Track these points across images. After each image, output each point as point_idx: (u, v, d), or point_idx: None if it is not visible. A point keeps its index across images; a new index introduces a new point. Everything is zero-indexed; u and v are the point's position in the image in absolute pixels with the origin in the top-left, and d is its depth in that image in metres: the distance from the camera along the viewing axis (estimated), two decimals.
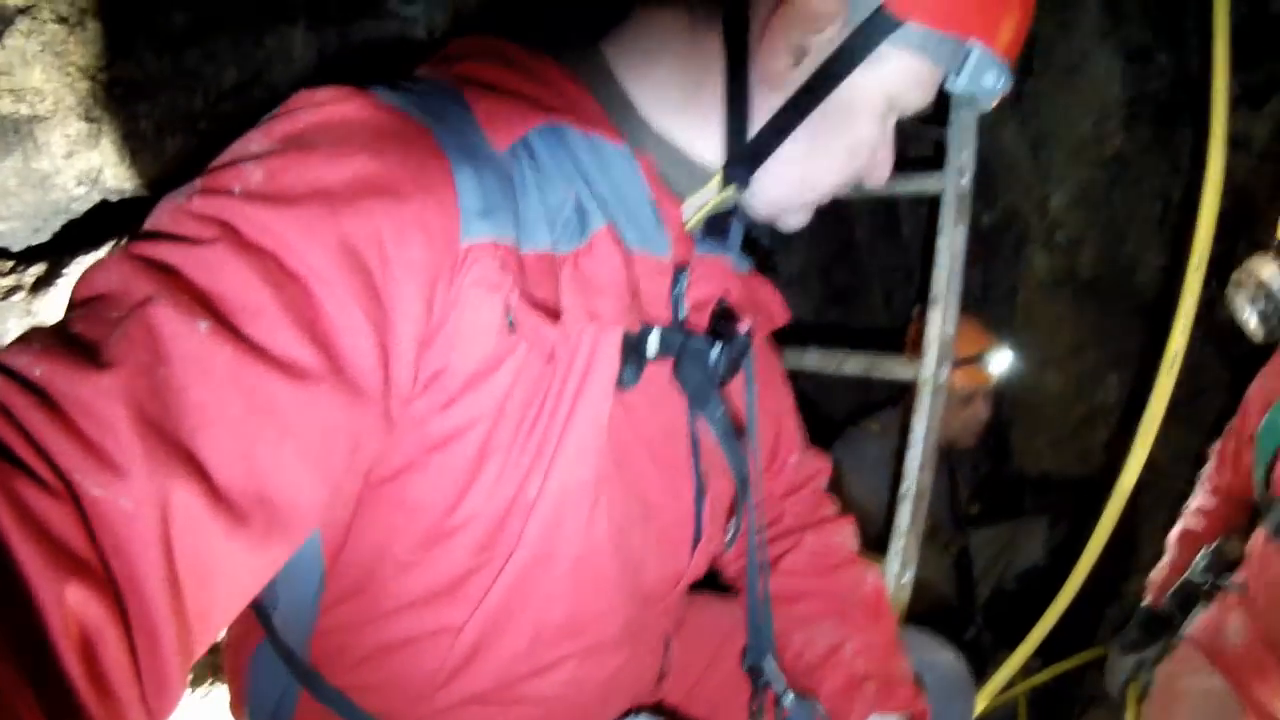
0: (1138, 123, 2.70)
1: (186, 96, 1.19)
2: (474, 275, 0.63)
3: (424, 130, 0.64)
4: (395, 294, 0.59)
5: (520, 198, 0.68)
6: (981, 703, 1.92)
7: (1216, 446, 1.90)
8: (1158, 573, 1.93)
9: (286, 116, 0.62)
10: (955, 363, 2.54)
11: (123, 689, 0.44)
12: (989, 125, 2.96)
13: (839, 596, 1.08)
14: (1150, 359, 1.74)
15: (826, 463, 1.24)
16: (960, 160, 1.69)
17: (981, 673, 2.09)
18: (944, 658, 1.16)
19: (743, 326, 0.89)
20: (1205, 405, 1.84)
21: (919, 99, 0.78)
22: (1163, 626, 1.84)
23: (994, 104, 0.80)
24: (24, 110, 0.99)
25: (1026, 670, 2.40)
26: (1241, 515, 1.86)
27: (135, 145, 1.16)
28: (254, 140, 0.61)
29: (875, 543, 1.76)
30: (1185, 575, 1.81)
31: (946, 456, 2.89)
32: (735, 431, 0.91)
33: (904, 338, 2.60)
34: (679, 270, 0.81)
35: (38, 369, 0.47)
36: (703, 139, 0.78)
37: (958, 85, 0.75)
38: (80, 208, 1.15)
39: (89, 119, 1.07)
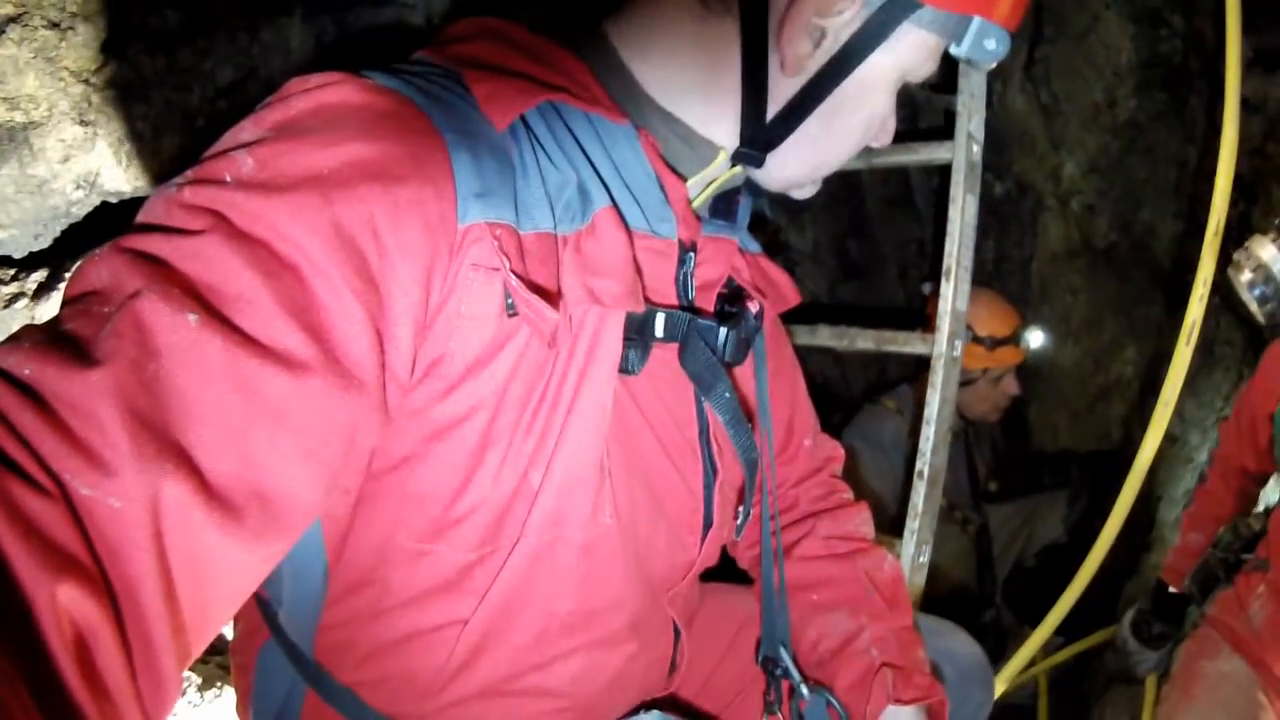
0: (1150, 87, 2.65)
1: (182, 95, 1.18)
2: (472, 257, 0.62)
3: (419, 112, 0.63)
4: (391, 279, 0.58)
5: (520, 178, 0.67)
6: (1003, 683, 1.90)
7: (1226, 422, 1.87)
8: (1174, 553, 1.91)
9: (279, 104, 0.61)
10: (991, 344, 2.55)
11: (118, 687, 0.44)
12: (1000, 93, 2.92)
13: (854, 584, 1.06)
14: (1168, 328, 1.72)
15: (840, 448, 1.22)
16: (970, 128, 1.66)
17: (1002, 652, 2.09)
18: (962, 646, 1.14)
19: (752, 306, 0.89)
20: (1223, 376, 1.80)
21: (928, 69, 0.78)
22: (1180, 609, 1.81)
23: (994, 65, 0.80)
24: (18, 117, 0.99)
25: (1047, 648, 2.39)
26: (1255, 489, 1.84)
27: (133, 146, 1.15)
28: (246, 129, 0.60)
29: (893, 524, 1.75)
30: (1205, 555, 1.79)
31: (965, 435, 2.88)
32: (745, 415, 0.90)
33: (924, 312, 2.59)
34: (685, 251, 0.80)
35: (27, 368, 0.47)
36: (715, 120, 0.77)
37: (960, 51, 0.75)
38: (80, 211, 1.15)
39: (84, 123, 1.07)
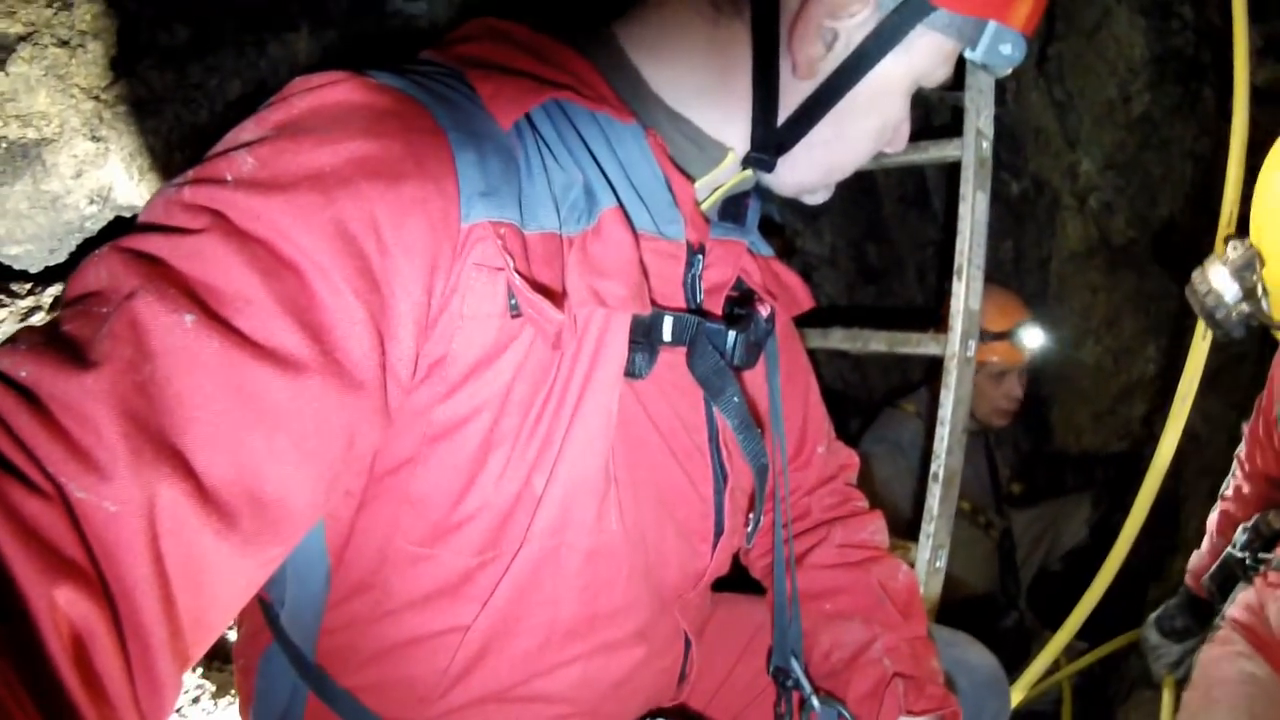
0: (1164, 81, 2.62)
1: (192, 110, 1.20)
2: (475, 256, 0.62)
3: (423, 110, 0.62)
4: (393, 279, 0.57)
5: (525, 177, 0.66)
6: (1022, 690, 1.87)
7: (1248, 424, 1.84)
8: (1197, 558, 1.86)
9: (281, 103, 0.60)
10: (985, 338, 2.50)
11: (115, 690, 0.44)
12: (1014, 92, 2.90)
13: (868, 593, 1.04)
14: (1188, 324, 1.69)
15: (854, 455, 1.20)
16: (978, 124, 1.64)
17: (1025, 657, 2.05)
18: (977, 656, 1.11)
19: (763, 310, 0.88)
20: (1244, 372, 1.77)
21: (943, 74, 0.77)
22: (1206, 611, 1.77)
23: (1010, 70, 0.79)
24: (30, 134, 1.01)
25: (1071, 653, 2.35)
26: (1277, 493, 1.80)
27: (145, 161, 1.17)
28: (248, 128, 0.59)
29: (912, 527, 1.73)
30: (1224, 554, 1.75)
31: (986, 437, 2.84)
32: (755, 420, 0.88)
33: (941, 315, 2.56)
34: (693, 253, 0.79)
35: (24, 370, 0.46)
36: (725, 122, 0.77)
37: (975, 55, 0.74)
38: (94, 226, 1.17)
39: (96, 138, 1.09)
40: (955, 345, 1.66)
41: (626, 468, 0.76)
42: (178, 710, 1.21)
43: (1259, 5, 1.61)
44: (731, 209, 0.89)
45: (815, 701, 0.96)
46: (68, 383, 0.46)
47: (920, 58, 0.74)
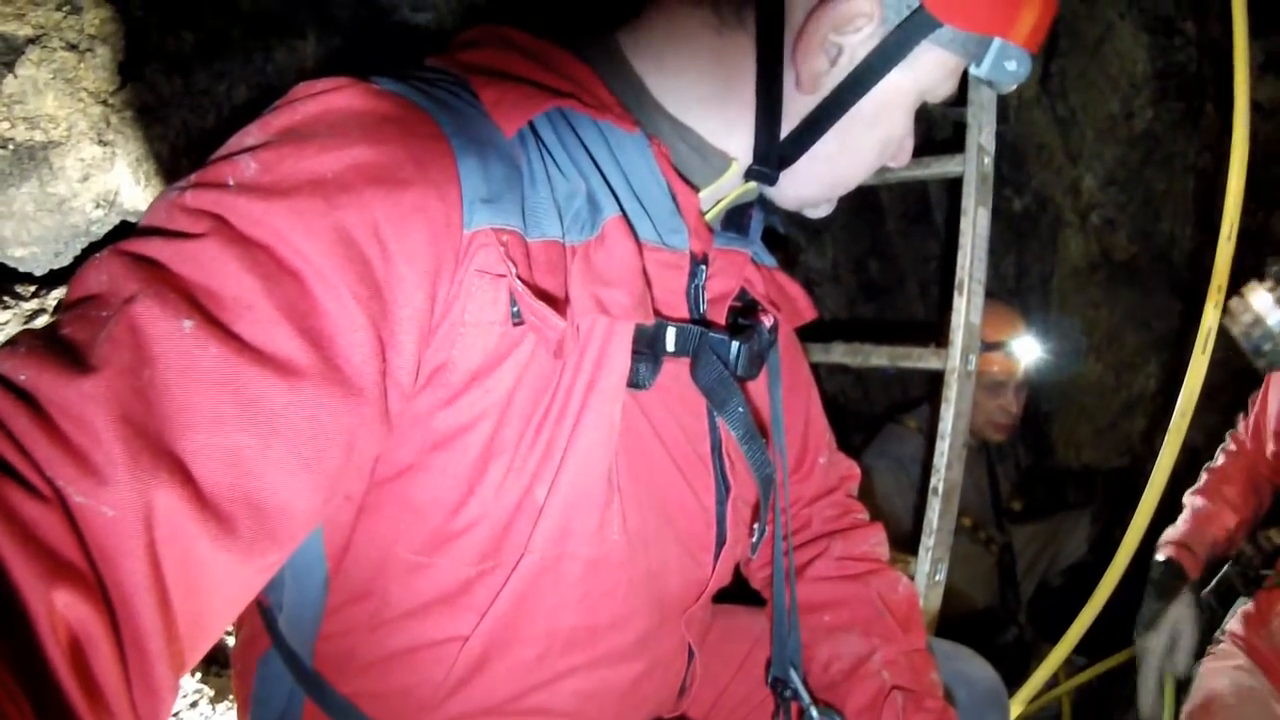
0: (1166, 97, 2.63)
1: (199, 116, 1.21)
2: (478, 263, 0.61)
3: (426, 116, 0.62)
4: (395, 285, 0.57)
5: (528, 185, 0.66)
6: (1020, 704, 1.86)
7: (1241, 425, 1.83)
8: (1172, 530, 1.81)
9: (284, 108, 0.60)
10: (979, 349, 2.50)
11: (112, 693, 0.43)
12: (1017, 108, 2.91)
13: (867, 605, 1.04)
14: (1190, 340, 1.68)
15: (855, 467, 1.20)
16: (980, 139, 1.65)
17: (1025, 672, 2.04)
18: (976, 669, 1.11)
19: (766, 320, 0.87)
20: (1243, 388, 1.76)
21: (947, 89, 0.77)
22: (1178, 578, 1.72)
23: (1014, 87, 0.79)
24: (38, 137, 1.01)
25: (1070, 668, 2.34)
26: (1269, 499, 1.79)
27: (151, 166, 1.18)
28: (251, 133, 0.59)
29: (912, 541, 1.73)
30: (1224, 569, 1.74)
31: (988, 453, 2.84)
32: (758, 431, 0.88)
33: (943, 330, 2.56)
34: (697, 263, 0.79)
35: (24, 373, 0.46)
36: (729, 133, 0.77)
37: (981, 72, 0.74)
38: (100, 230, 1.17)
39: (103, 142, 1.09)
40: (956, 359, 1.66)
41: (629, 478, 0.76)
42: (175, 714, 1.21)
43: (1260, 20, 1.62)
44: (735, 219, 0.89)
45: (814, 713, 0.96)
46: (66, 387, 0.46)
47: (925, 73, 0.74)
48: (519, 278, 0.63)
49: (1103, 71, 2.68)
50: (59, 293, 1.15)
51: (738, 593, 1.06)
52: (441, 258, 0.60)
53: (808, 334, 1.16)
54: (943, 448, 1.64)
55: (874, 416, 3.27)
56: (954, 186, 1.73)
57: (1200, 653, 1.69)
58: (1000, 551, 2.81)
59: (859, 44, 0.71)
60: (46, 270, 1.15)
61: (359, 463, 0.59)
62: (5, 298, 1.05)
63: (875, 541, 1.11)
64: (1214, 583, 1.75)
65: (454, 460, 0.66)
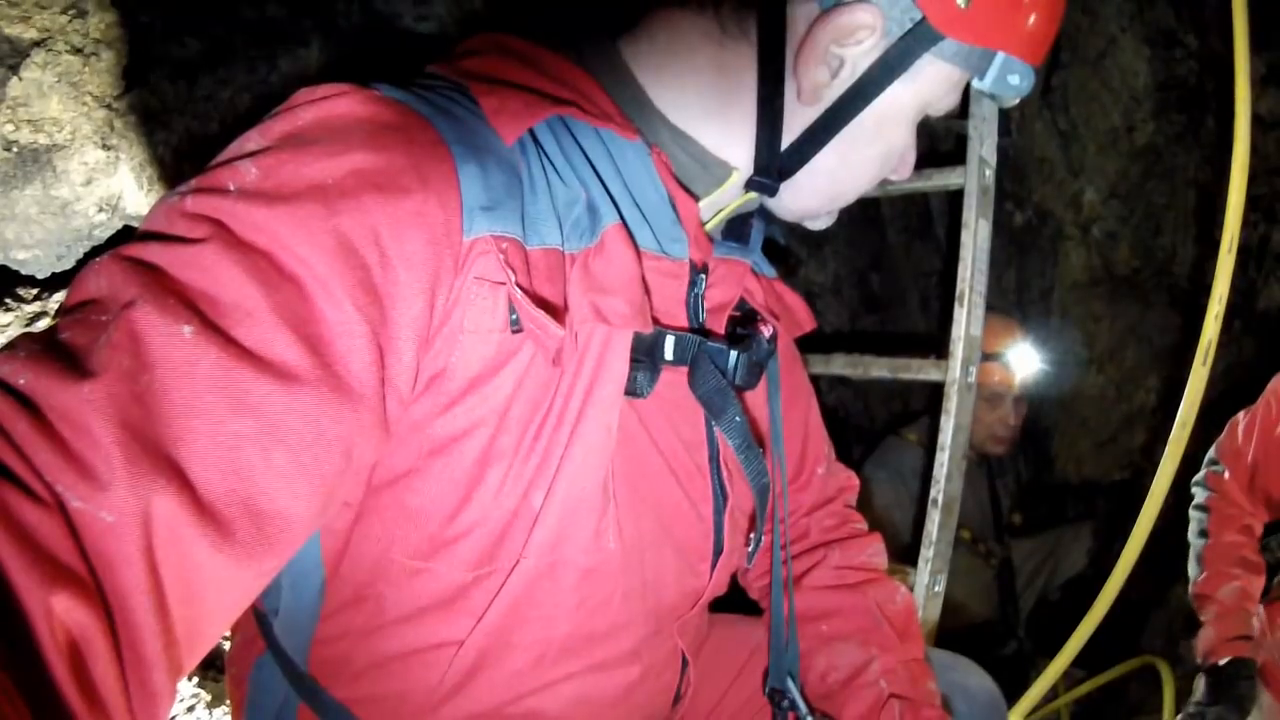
0: (1168, 110, 2.64)
1: (202, 122, 1.22)
2: (477, 270, 0.61)
3: (426, 124, 0.62)
4: (394, 292, 0.57)
5: (527, 192, 0.66)
6: (1021, 716, 1.85)
7: (1232, 446, 1.80)
8: (1215, 630, 1.69)
9: (285, 114, 0.60)
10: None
11: (110, 697, 0.43)
12: (1019, 121, 2.92)
13: (865, 615, 1.03)
14: (1190, 355, 1.68)
15: (854, 477, 1.20)
16: (981, 152, 1.65)
17: (1023, 686, 2.04)
18: (975, 679, 1.10)
19: (765, 330, 0.87)
20: (1243, 401, 1.76)
21: (949, 103, 0.77)
22: (1231, 683, 1.63)
23: (1017, 101, 0.79)
24: (42, 140, 1.02)
25: (1070, 681, 2.33)
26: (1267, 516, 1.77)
27: (153, 171, 1.18)
28: (251, 139, 0.59)
29: (911, 553, 1.73)
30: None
31: (988, 466, 2.84)
32: (755, 440, 0.88)
33: (943, 342, 2.57)
34: (696, 272, 0.79)
35: (23, 377, 0.46)
36: (730, 143, 0.76)
37: (984, 85, 0.74)
38: (102, 234, 1.18)
39: (106, 147, 1.10)
40: (956, 371, 1.66)
41: (626, 486, 0.75)
42: (172, 718, 1.20)
43: (1261, 33, 1.62)
44: (736, 229, 0.89)
45: None
46: (65, 391, 0.46)
47: (927, 86, 0.74)
48: (518, 285, 0.63)
49: (1104, 85, 2.69)
50: (61, 296, 1.16)
51: (735, 602, 1.05)
52: (441, 265, 0.60)
53: (808, 345, 1.16)
54: (942, 459, 1.64)
55: (874, 429, 3.27)
56: (955, 199, 1.74)
57: None
58: (1000, 565, 2.80)
59: (861, 56, 0.71)
60: (48, 273, 1.15)
61: (357, 468, 0.59)
62: (7, 300, 1.05)
63: (873, 551, 1.11)
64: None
65: (451, 466, 0.66)
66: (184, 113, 1.19)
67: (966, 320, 1.66)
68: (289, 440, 0.52)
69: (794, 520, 1.12)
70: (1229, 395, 2.05)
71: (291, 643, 0.74)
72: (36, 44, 0.98)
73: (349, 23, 1.40)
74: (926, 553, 1.62)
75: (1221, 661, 1.65)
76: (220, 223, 0.53)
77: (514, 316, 0.64)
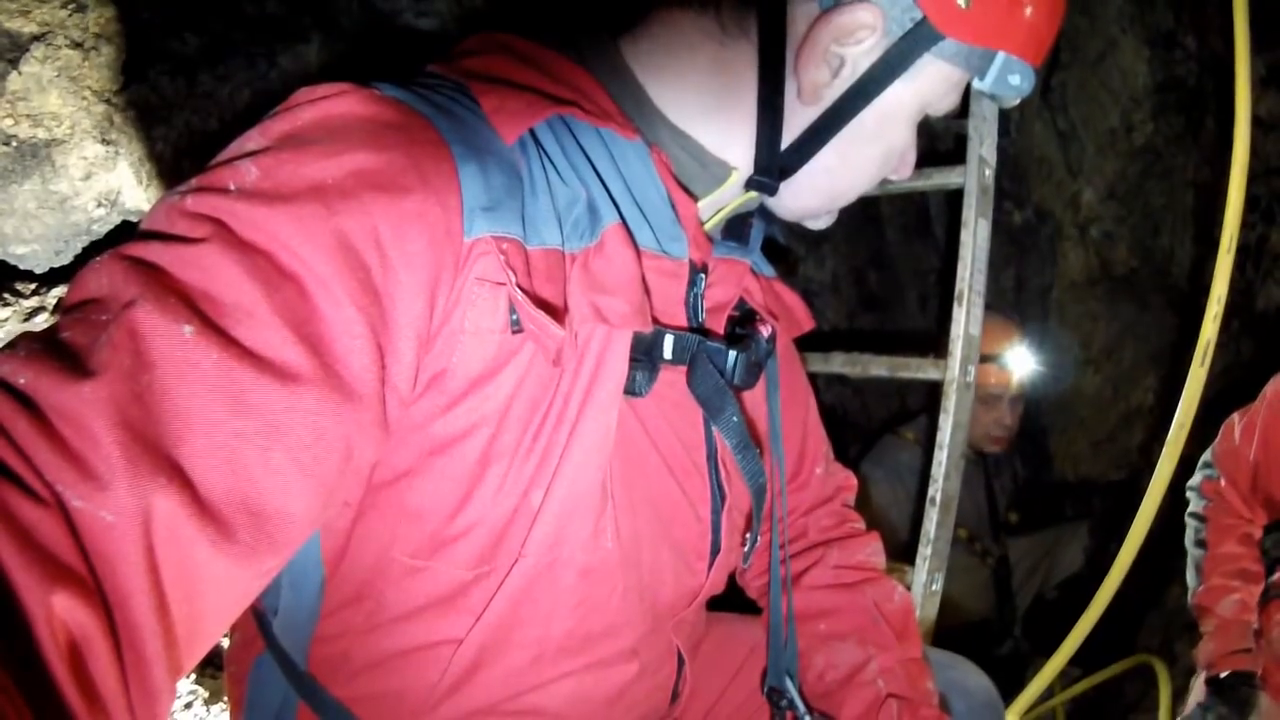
0: (1167, 111, 2.64)
1: (201, 118, 1.21)
2: (477, 271, 0.61)
3: (427, 124, 0.62)
4: (394, 292, 0.57)
5: (528, 192, 0.66)
6: (1015, 715, 1.85)
7: (1229, 449, 1.78)
8: (1214, 643, 1.70)
9: (285, 113, 0.60)
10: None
11: (110, 697, 0.43)
12: (1018, 121, 2.92)
13: (863, 614, 1.04)
14: (1188, 355, 1.69)
15: (852, 477, 1.20)
16: (981, 151, 1.65)
17: (1020, 685, 2.05)
18: (972, 678, 1.11)
19: (764, 330, 0.87)
20: (1240, 401, 1.76)
21: (950, 103, 0.77)
22: (1233, 689, 1.64)
23: (1017, 101, 0.79)
24: (41, 134, 1.02)
25: (1066, 680, 2.34)
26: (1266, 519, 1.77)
27: (153, 167, 1.18)
28: (252, 138, 0.59)
29: (909, 552, 1.73)
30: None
31: (985, 465, 2.84)
32: (753, 440, 0.88)
33: (941, 341, 2.57)
34: (696, 272, 0.79)
35: (23, 377, 0.46)
36: (730, 142, 0.76)
37: (984, 85, 0.74)
38: (101, 229, 1.17)
39: (106, 141, 1.10)
40: (954, 370, 1.66)
41: (624, 485, 0.76)
42: (170, 716, 1.20)
43: (1261, 35, 1.62)
44: (735, 229, 0.88)
45: None
46: (66, 391, 0.46)
47: (927, 86, 0.74)
48: (518, 286, 0.63)
49: (1104, 85, 2.69)
50: (59, 291, 1.15)
51: (733, 601, 1.05)
52: (441, 265, 0.60)
53: (807, 344, 1.16)
54: (941, 458, 1.64)
55: (872, 428, 3.28)
56: (954, 199, 1.74)
57: None
58: (996, 564, 2.81)
59: (861, 55, 0.71)
60: (47, 268, 1.15)
61: (357, 468, 0.59)
62: (5, 295, 1.05)
63: (871, 550, 1.11)
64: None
65: (452, 465, 0.66)
66: (183, 108, 1.19)
67: (965, 319, 1.66)
68: (289, 440, 0.52)
69: (792, 520, 1.12)
70: (1227, 395, 2.05)
71: (291, 641, 0.74)
72: (36, 38, 0.98)
73: (349, 20, 1.39)
74: (924, 551, 1.63)
75: (1223, 674, 1.67)
76: (221, 222, 0.53)
77: (514, 317, 0.64)
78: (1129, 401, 3.06)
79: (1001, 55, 0.71)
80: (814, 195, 0.80)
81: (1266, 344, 2.31)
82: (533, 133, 0.68)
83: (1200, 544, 1.79)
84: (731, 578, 1.01)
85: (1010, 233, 3.19)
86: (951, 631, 2.04)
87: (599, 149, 0.70)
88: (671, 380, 0.79)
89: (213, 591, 0.49)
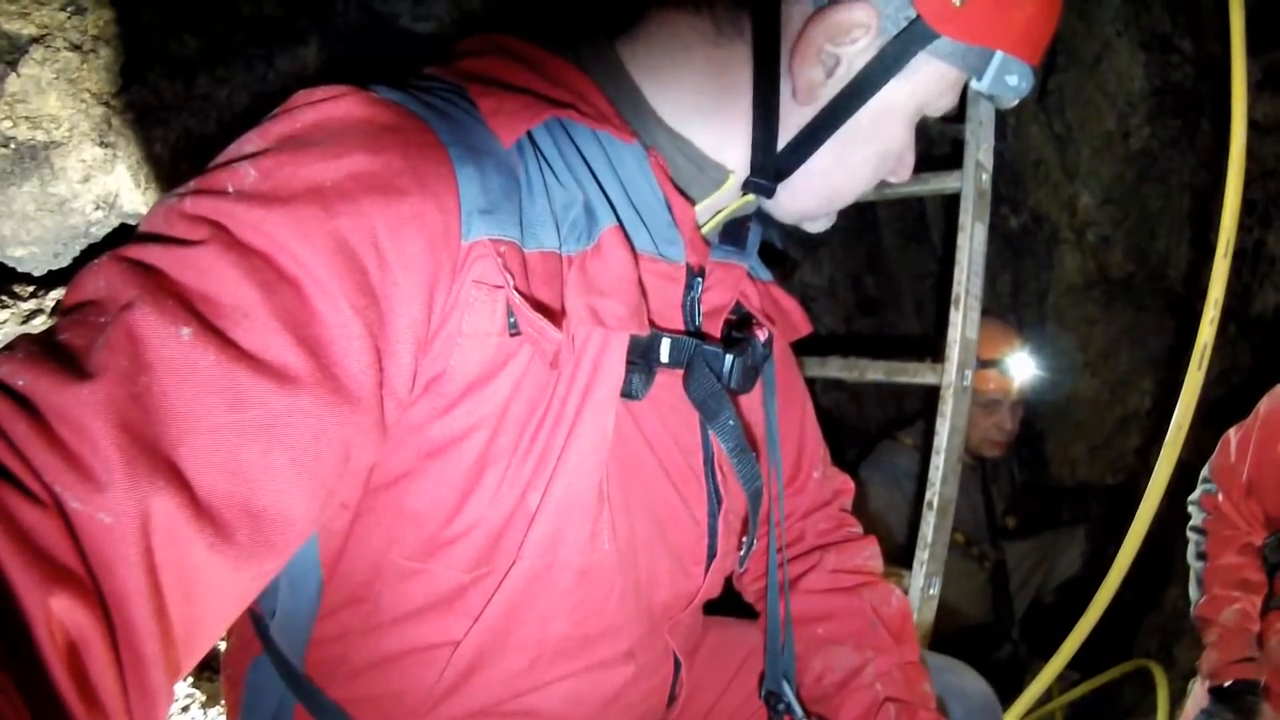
0: (1163, 114, 2.64)
1: (200, 121, 1.21)
2: (475, 274, 0.61)
3: (424, 126, 0.62)
4: (392, 294, 0.57)
5: (525, 195, 0.66)
6: (1016, 718, 1.86)
7: (1225, 464, 1.77)
8: (1218, 653, 1.69)
9: (284, 116, 0.60)
10: (975, 365, 2.51)
11: (108, 698, 0.43)
12: (1015, 125, 2.93)
13: (860, 618, 1.04)
14: (1185, 358, 1.69)
15: (849, 481, 1.20)
16: (978, 156, 1.66)
17: (1018, 689, 2.05)
18: (970, 683, 1.11)
19: (761, 334, 0.87)
20: (1244, 405, 1.76)
21: (947, 103, 0.77)
22: (1238, 696, 1.64)
23: (1016, 102, 0.79)
24: (40, 136, 1.02)
25: (1063, 684, 2.34)
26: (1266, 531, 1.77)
27: (151, 170, 1.18)
28: (250, 140, 0.59)
29: (906, 556, 1.73)
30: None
31: (982, 469, 2.85)
32: (749, 444, 0.88)
33: (939, 346, 2.58)
34: (693, 275, 0.79)
35: (21, 378, 0.46)
36: (726, 145, 0.76)
37: (982, 86, 0.73)
38: (100, 232, 1.17)
39: (104, 144, 1.10)
40: (951, 374, 1.67)
41: (620, 488, 0.76)
42: (168, 719, 1.20)
43: (1258, 38, 1.62)
44: (732, 232, 0.89)
45: None
46: (64, 393, 0.46)
47: (924, 85, 0.73)
48: (516, 289, 0.63)
49: (1100, 89, 2.70)
50: (57, 293, 1.15)
51: (731, 604, 1.05)
52: (439, 268, 0.60)
53: (804, 348, 1.16)
54: (938, 462, 1.65)
55: (869, 432, 3.28)
56: (951, 203, 1.74)
57: None
58: (994, 568, 2.81)
59: (856, 55, 0.71)
60: (45, 271, 1.15)
61: (355, 470, 0.59)
62: (3, 297, 1.05)
63: (868, 554, 1.11)
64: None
65: (449, 468, 0.66)
66: (182, 110, 1.19)
67: (962, 323, 1.66)
68: (287, 442, 0.52)
69: (790, 523, 1.13)
70: (1224, 399, 2.06)
71: (288, 643, 0.74)
72: (35, 40, 0.98)
73: (347, 22, 1.39)
74: (921, 555, 1.63)
75: (1226, 683, 1.67)
76: (219, 224, 0.53)
77: (512, 320, 0.64)
78: (1126, 405, 3.06)
79: (999, 55, 0.71)
80: (811, 196, 0.80)
81: (1263, 347, 2.32)
82: (530, 135, 0.68)
83: (1201, 556, 1.80)
84: (728, 581, 1.01)
85: (1007, 237, 3.19)
86: (949, 635, 2.05)
87: (596, 152, 0.70)
88: (668, 384, 0.79)
89: (211, 593, 0.49)
